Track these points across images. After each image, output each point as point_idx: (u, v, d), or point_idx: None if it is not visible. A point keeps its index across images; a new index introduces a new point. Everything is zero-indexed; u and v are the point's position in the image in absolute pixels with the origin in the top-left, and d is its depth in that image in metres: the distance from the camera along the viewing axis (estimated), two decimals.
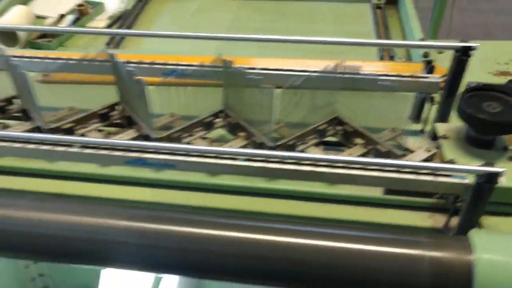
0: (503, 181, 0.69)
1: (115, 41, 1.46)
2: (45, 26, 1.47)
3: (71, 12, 1.60)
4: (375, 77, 0.87)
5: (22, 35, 1.43)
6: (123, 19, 1.61)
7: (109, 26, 1.56)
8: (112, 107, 0.97)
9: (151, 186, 0.90)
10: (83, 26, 1.55)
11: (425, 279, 0.66)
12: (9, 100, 1.01)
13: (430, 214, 0.84)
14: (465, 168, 0.72)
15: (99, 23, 1.58)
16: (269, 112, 0.82)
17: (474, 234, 0.68)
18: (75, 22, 1.56)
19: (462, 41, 0.87)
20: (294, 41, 0.88)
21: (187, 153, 0.80)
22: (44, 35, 1.49)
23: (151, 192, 0.90)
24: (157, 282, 1.20)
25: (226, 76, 0.90)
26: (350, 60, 0.87)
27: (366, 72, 0.87)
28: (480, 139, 0.85)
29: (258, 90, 0.81)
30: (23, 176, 0.93)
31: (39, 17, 1.62)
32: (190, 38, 0.89)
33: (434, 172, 0.75)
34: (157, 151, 0.81)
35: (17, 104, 1.01)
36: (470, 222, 0.75)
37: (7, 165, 0.93)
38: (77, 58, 0.93)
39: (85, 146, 0.83)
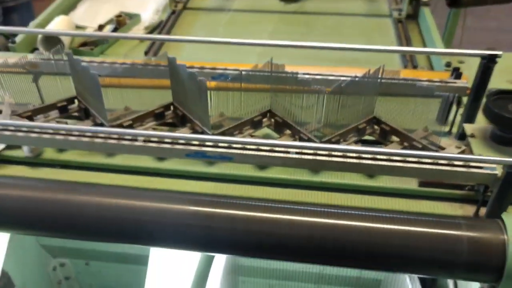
0: None
1: (154, 50, 1.56)
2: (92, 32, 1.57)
3: (109, 22, 1.71)
4: (413, 82, 0.97)
5: (66, 42, 1.53)
6: (158, 29, 1.71)
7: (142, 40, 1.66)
8: (166, 107, 1.06)
9: (205, 180, 0.98)
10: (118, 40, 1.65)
11: (463, 256, 0.75)
12: (70, 100, 1.10)
13: (460, 205, 0.92)
14: (495, 159, 0.80)
15: (136, 33, 1.68)
16: (314, 112, 0.92)
17: (505, 217, 0.76)
18: (114, 31, 1.66)
19: (488, 49, 0.97)
20: (328, 48, 0.95)
21: (243, 147, 0.90)
22: (85, 43, 1.59)
23: (204, 184, 0.98)
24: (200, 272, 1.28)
25: (275, 79, 0.99)
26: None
27: (404, 77, 0.96)
28: (505, 137, 0.95)
29: (306, 93, 0.91)
30: (87, 170, 1.01)
31: (78, 27, 1.72)
32: (231, 44, 0.97)
33: (466, 164, 0.84)
34: (215, 144, 0.90)
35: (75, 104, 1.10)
36: (500, 209, 0.84)
37: (72, 159, 1.02)
38: (140, 63, 1.02)
39: (148, 140, 0.92)
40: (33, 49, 1.59)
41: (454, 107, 1.03)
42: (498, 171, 0.82)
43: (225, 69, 1.06)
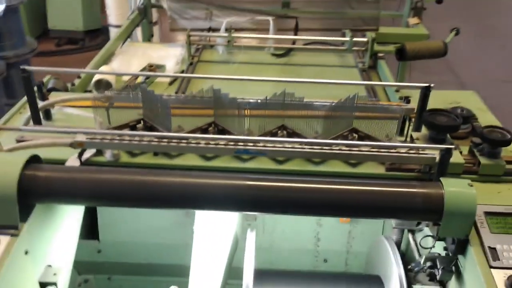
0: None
1: (182, 90, 2.04)
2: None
3: (143, 70, 2.19)
4: (380, 104, 1.49)
5: (114, 84, 1.99)
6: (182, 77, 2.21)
7: (171, 83, 2.14)
8: (209, 124, 1.52)
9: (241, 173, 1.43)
10: (152, 82, 2.13)
11: (419, 204, 1.23)
12: (138, 121, 1.55)
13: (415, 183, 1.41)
14: (436, 146, 1.31)
15: (164, 80, 2.17)
16: (316, 124, 1.42)
17: (443, 180, 1.26)
18: (147, 79, 2.13)
19: (425, 83, 1.51)
20: (317, 83, 1.47)
21: (273, 146, 1.37)
22: (127, 86, 2.05)
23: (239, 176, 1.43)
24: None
25: (287, 105, 1.48)
26: None
27: (375, 103, 1.48)
28: (437, 138, 1.46)
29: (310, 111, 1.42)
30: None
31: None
32: (243, 80, 1.46)
33: (416, 151, 1.35)
34: (254, 145, 1.37)
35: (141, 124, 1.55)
36: (440, 176, 1.33)
37: (142, 162, 1.44)
38: (192, 95, 1.49)
39: (207, 142, 1.38)
40: (85, 91, 2.03)
41: (407, 123, 1.55)
42: (437, 155, 1.33)
43: (251, 99, 1.54)
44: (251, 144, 1.37)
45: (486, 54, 5.95)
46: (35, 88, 1.59)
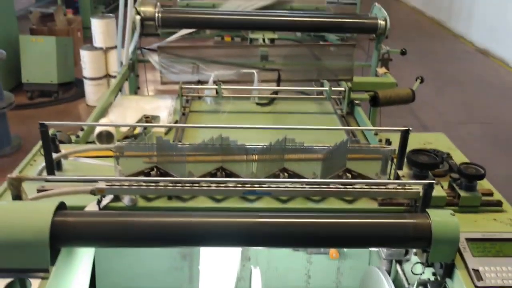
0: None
1: (178, 138, 2.18)
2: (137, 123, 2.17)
3: (140, 121, 2.32)
4: (367, 147, 1.68)
5: (115, 135, 2.12)
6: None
7: (167, 132, 2.28)
8: (217, 169, 1.67)
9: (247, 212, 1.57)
10: (150, 132, 2.26)
11: (410, 233, 1.40)
12: (151, 168, 1.68)
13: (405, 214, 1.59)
14: (420, 182, 1.50)
15: (160, 129, 2.31)
16: (314, 166, 1.59)
17: (429, 211, 1.44)
18: (145, 129, 2.26)
19: (404, 126, 1.71)
20: (299, 129, 1.66)
21: (277, 186, 1.53)
22: (127, 136, 2.18)
23: (246, 214, 1.57)
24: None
25: (288, 149, 1.65)
26: None
27: (365, 146, 1.67)
28: (420, 175, 1.65)
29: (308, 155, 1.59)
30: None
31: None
32: (233, 128, 1.65)
33: (402, 187, 1.53)
34: (261, 186, 1.52)
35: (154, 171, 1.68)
36: (425, 208, 1.51)
37: (157, 206, 1.57)
38: (203, 143, 1.64)
39: (217, 185, 1.53)
40: (86, 142, 2.15)
41: (389, 162, 1.74)
42: (420, 190, 1.51)
43: (253, 145, 1.70)
44: (258, 185, 1.53)
45: (443, 98, 6.38)
46: None
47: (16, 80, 5.87)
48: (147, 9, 2.96)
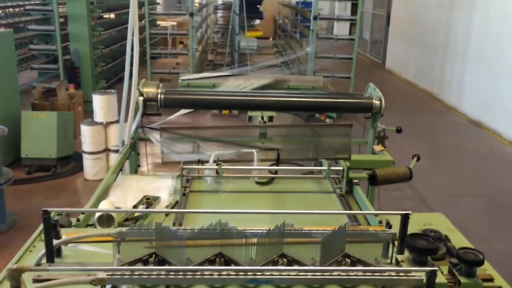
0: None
1: (178, 220, 2.18)
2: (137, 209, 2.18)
3: (140, 203, 2.33)
4: (369, 231, 1.68)
5: (115, 218, 2.12)
6: (176, 206, 2.36)
7: (167, 214, 2.29)
8: (216, 255, 1.66)
9: None
10: (149, 214, 2.27)
11: None
12: (150, 255, 1.67)
13: None
14: (423, 269, 1.49)
15: (164, 209, 2.32)
16: (312, 251, 1.59)
17: None
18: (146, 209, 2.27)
19: (403, 210, 1.73)
20: (300, 213, 1.68)
21: (279, 274, 1.52)
22: (127, 219, 2.18)
23: None
24: None
25: (285, 234, 1.65)
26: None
27: (364, 229, 1.68)
28: (420, 260, 1.65)
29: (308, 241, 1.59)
30: None
31: (116, 207, 2.32)
32: (231, 213, 1.66)
33: (405, 274, 1.52)
34: (262, 273, 1.51)
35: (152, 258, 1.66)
36: None
37: None
38: (202, 229, 1.64)
39: (219, 273, 1.52)
40: (87, 225, 2.14)
41: (390, 246, 1.74)
42: (423, 277, 1.50)
43: (252, 229, 1.71)
44: (259, 273, 1.52)
45: (439, 170, 6.44)
46: None
47: (15, 154, 5.91)
48: (150, 90, 3.06)
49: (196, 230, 1.63)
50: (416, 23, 12.21)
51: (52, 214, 1.95)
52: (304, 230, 1.68)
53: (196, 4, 10.47)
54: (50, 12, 8.47)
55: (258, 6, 11.10)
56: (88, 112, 7.12)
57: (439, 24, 10.74)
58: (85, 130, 5.68)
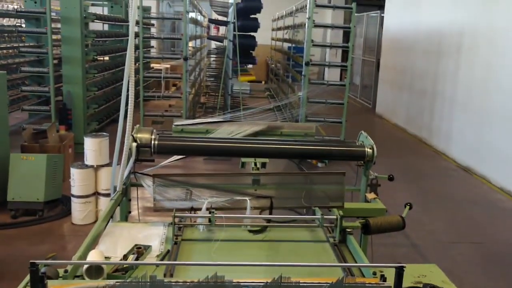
0: None
1: (169, 272, 2.13)
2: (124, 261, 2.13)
3: (130, 252, 2.28)
4: (364, 284, 1.66)
5: (105, 269, 2.06)
6: (168, 256, 2.32)
7: (158, 265, 2.24)
8: None
9: None
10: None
11: None
12: None
13: None
14: None
15: (151, 260, 2.27)
16: None
17: None
18: (136, 259, 2.22)
19: (398, 263, 1.71)
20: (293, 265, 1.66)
21: None
22: (117, 269, 2.13)
23: None
24: None
25: (283, 287, 1.62)
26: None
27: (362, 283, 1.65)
28: None
29: None
30: None
31: (106, 257, 2.27)
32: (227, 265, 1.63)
33: None
34: None
35: None
36: None
37: None
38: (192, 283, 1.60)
39: None
40: (74, 277, 2.08)
41: None
42: None
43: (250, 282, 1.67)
44: None
45: (430, 216, 6.43)
46: None
47: (1, 197, 5.76)
48: (144, 136, 3.06)
49: (191, 283, 1.60)
50: (405, 69, 12.50)
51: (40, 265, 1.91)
52: (301, 283, 1.65)
53: (190, 48, 10.66)
54: (45, 54, 8.54)
55: (251, 51, 11.31)
56: (78, 154, 7.07)
57: (426, 71, 11.00)
58: (75, 173, 5.61)
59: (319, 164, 8.24)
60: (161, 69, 11.14)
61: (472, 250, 5.53)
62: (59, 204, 6.07)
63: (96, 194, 5.75)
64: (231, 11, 10.18)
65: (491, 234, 6.05)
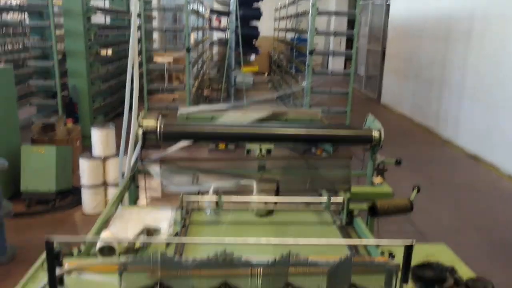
0: None
1: (179, 251, 2.17)
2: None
3: (141, 233, 2.32)
4: (373, 262, 1.68)
5: (117, 249, 2.10)
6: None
7: (168, 245, 2.27)
8: (221, 285, 1.65)
9: None
10: (151, 244, 2.25)
11: None
12: (154, 285, 1.65)
13: None
14: None
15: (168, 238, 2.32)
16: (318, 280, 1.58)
17: None
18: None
19: (408, 241, 1.73)
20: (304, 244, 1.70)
21: None
22: (127, 251, 2.17)
23: None
24: None
25: (291, 263, 1.64)
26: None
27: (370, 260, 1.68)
28: None
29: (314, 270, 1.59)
30: None
31: None
32: (236, 244, 1.67)
33: None
34: None
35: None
36: None
37: None
38: (207, 258, 1.63)
39: None
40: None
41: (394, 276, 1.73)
42: None
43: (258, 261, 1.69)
44: None
45: (437, 204, 6.44)
46: None
47: (15, 188, 5.91)
48: (149, 123, 3.08)
49: (201, 260, 1.63)
50: (411, 57, 12.42)
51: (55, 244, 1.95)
52: (310, 260, 1.67)
53: (192, 41, 10.66)
54: (50, 49, 8.57)
55: (254, 41, 11.30)
56: (86, 147, 7.13)
57: (434, 58, 10.93)
58: (83, 164, 5.69)
59: (323, 155, 8.24)
60: (164, 63, 11.15)
61: (479, 237, 5.54)
62: (70, 195, 6.16)
63: (105, 184, 5.81)
64: (233, 0, 10.14)
65: (498, 221, 6.05)
